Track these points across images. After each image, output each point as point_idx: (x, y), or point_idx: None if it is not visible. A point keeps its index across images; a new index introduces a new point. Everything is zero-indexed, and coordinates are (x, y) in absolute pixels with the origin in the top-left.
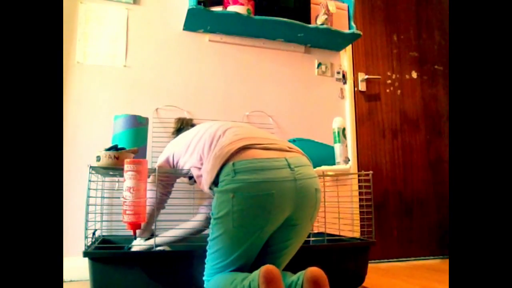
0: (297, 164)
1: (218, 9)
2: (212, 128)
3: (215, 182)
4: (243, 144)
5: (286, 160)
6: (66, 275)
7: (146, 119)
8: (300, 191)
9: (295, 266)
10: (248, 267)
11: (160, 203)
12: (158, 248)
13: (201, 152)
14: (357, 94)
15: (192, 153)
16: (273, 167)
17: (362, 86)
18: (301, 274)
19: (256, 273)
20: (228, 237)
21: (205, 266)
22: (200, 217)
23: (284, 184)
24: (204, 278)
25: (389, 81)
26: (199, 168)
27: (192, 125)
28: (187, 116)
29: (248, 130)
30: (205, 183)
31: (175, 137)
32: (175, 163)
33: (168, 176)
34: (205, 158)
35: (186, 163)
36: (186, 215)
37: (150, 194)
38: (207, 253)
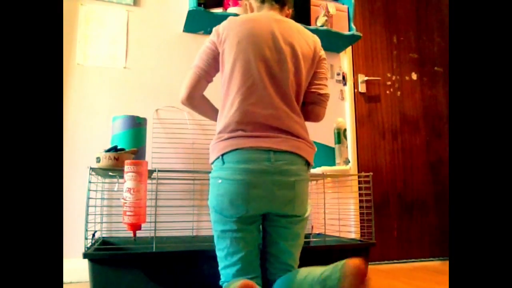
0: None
1: (218, 10)
2: (250, 68)
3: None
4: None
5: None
6: (66, 277)
7: (144, 120)
8: None
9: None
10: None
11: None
12: None
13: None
14: (357, 95)
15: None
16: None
17: (362, 88)
18: (336, 266)
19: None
20: None
21: None
22: None
23: None
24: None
25: (389, 83)
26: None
27: None
28: (187, 118)
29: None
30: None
31: None
32: (218, 41)
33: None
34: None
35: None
36: (186, 215)
37: None
38: None
